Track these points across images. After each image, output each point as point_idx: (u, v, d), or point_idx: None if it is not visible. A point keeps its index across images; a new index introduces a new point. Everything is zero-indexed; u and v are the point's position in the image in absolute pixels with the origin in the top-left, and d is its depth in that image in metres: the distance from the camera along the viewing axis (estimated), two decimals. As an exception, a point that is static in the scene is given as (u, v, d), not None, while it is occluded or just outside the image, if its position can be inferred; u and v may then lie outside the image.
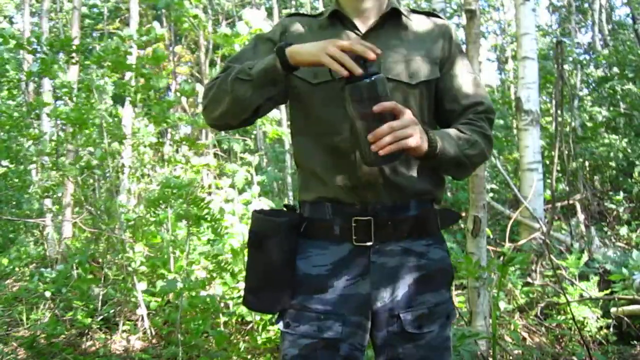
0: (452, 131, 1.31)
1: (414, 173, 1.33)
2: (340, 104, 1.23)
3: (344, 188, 1.30)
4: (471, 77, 1.41)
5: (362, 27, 1.36)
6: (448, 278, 1.39)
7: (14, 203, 7.54)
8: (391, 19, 1.37)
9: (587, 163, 7.00)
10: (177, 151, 4.99)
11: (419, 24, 1.41)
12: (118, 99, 5.39)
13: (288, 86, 1.33)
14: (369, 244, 1.28)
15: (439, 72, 1.37)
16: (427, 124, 1.33)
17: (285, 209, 1.40)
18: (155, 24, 4.15)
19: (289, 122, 1.70)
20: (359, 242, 1.29)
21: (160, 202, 3.45)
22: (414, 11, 1.45)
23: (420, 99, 1.34)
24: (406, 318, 1.30)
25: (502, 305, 3.56)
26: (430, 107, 1.39)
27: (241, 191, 4.07)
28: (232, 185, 4.03)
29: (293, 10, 10.59)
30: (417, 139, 1.16)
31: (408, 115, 1.17)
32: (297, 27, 1.41)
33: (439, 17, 1.46)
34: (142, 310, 3.61)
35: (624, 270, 3.42)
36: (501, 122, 8.29)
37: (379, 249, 1.30)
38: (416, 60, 1.34)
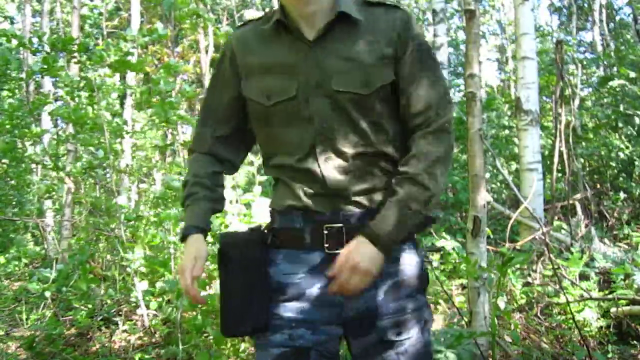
0: (391, 212, 1.24)
1: (373, 175, 1.31)
2: (299, 121, 1.28)
3: (313, 197, 1.29)
4: (425, 80, 1.32)
5: (310, 33, 1.30)
6: (423, 283, 1.37)
7: (14, 203, 7.54)
8: (340, 21, 1.30)
9: (587, 163, 7.00)
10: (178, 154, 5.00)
11: (373, 19, 1.33)
12: (118, 99, 5.39)
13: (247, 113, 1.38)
14: (341, 251, 1.26)
15: (393, 74, 1.31)
16: (388, 131, 1.32)
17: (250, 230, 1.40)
18: (159, 24, 4.15)
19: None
20: (331, 250, 1.27)
21: (161, 202, 3.45)
22: (368, 3, 1.36)
23: (378, 106, 1.31)
24: (384, 326, 1.29)
25: (502, 305, 3.56)
26: (391, 110, 1.34)
27: (244, 191, 4.07)
28: (234, 187, 4.03)
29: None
30: (366, 275, 1.22)
31: (341, 269, 1.22)
32: (246, 44, 1.37)
33: (395, 6, 1.38)
34: (142, 310, 3.62)
35: (626, 265, 3.43)
36: (504, 122, 8.28)
37: None
38: (370, 64, 1.29)
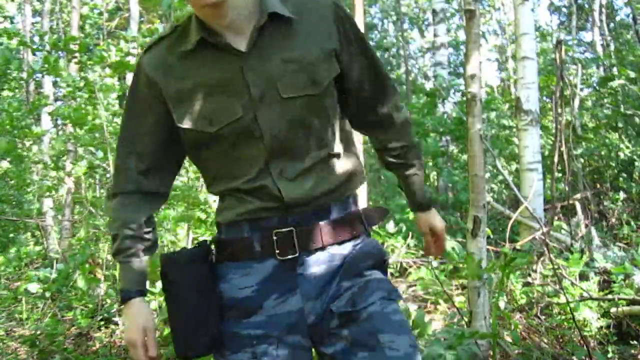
0: (415, 179, 1.48)
1: (327, 176, 1.25)
2: (249, 140, 1.19)
3: (265, 210, 1.21)
4: (370, 60, 1.31)
5: (240, 44, 1.17)
6: (378, 260, 1.30)
7: (14, 203, 7.55)
8: (271, 22, 1.18)
9: (587, 163, 7.00)
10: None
11: (303, 11, 1.22)
12: (118, 99, 5.39)
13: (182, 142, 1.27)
14: (294, 256, 1.20)
15: (337, 65, 1.24)
16: (335, 127, 1.28)
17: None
18: (158, 24, 4.15)
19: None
20: (283, 256, 1.20)
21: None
22: None
23: (328, 103, 1.24)
24: (337, 305, 1.21)
25: (502, 305, 3.56)
26: (335, 103, 1.29)
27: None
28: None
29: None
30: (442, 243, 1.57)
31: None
32: (167, 68, 1.22)
33: None
34: (142, 310, 3.61)
35: (626, 264, 3.44)
36: (504, 122, 8.29)
37: (305, 260, 1.21)
38: (314, 61, 1.20)
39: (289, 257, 1.20)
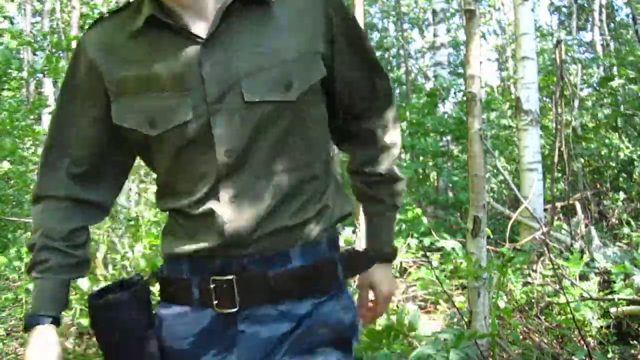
0: (378, 220, 1.18)
1: (296, 209, 0.98)
2: (199, 152, 0.94)
3: (206, 248, 0.98)
4: (366, 63, 1.08)
5: (200, 28, 0.94)
6: (341, 335, 1.01)
7: (14, 203, 7.55)
8: (243, 5, 0.94)
9: (587, 163, 7.00)
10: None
11: None
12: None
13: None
14: (233, 310, 0.96)
15: (324, 67, 0.99)
16: (318, 144, 1.02)
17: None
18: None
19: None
20: (221, 308, 0.96)
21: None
22: None
23: (307, 115, 0.98)
24: None
25: (502, 305, 3.56)
26: (320, 113, 1.03)
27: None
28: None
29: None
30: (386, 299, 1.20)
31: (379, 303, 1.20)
32: (111, 49, 0.98)
33: None
34: (142, 310, 3.61)
35: (626, 264, 3.44)
36: (504, 122, 8.29)
37: (250, 315, 0.97)
38: (292, 59, 0.94)
39: (228, 310, 0.97)
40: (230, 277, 0.96)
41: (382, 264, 1.18)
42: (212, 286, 0.96)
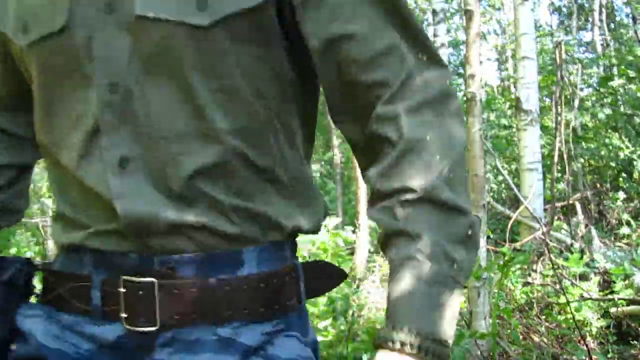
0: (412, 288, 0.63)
1: (250, 195, 0.67)
2: (75, 79, 0.66)
3: (104, 232, 0.67)
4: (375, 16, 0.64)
5: None
6: None
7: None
8: None
9: (587, 163, 7.00)
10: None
11: None
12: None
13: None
14: (151, 329, 0.65)
15: None
16: (252, 107, 0.66)
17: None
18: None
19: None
20: (131, 325, 0.65)
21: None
22: None
23: (226, 52, 0.63)
24: None
25: (502, 305, 3.56)
26: (262, 65, 0.66)
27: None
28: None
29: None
30: None
31: None
32: None
33: None
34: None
35: (626, 265, 3.45)
36: (504, 122, 8.30)
37: (174, 338, 0.66)
38: None
39: (141, 328, 0.65)
40: (149, 279, 0.65)
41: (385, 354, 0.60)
42: (121, 290, 0.65)
